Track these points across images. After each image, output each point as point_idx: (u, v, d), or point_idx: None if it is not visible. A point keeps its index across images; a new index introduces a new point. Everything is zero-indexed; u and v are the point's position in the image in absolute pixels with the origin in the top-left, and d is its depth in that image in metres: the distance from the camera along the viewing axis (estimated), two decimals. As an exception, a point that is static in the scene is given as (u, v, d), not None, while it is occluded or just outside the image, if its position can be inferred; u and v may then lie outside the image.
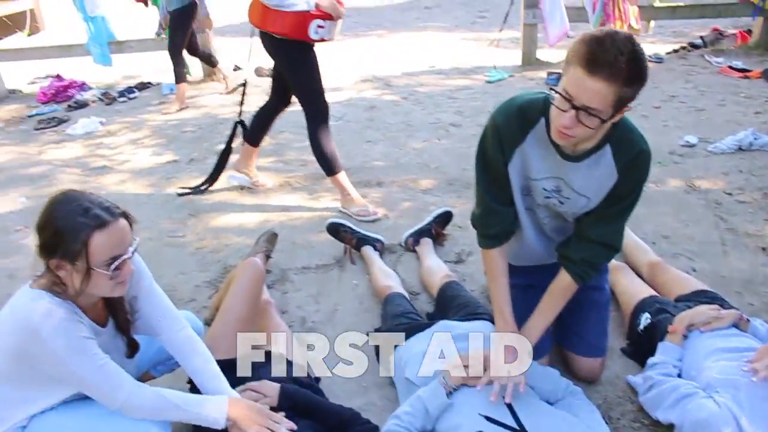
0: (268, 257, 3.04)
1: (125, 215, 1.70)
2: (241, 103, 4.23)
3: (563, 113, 1.72)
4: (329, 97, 3.54)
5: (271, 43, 3.36)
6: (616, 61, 1.61)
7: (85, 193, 1.70)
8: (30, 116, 6.38)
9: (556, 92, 1.73)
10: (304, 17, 3.25)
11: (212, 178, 4.14)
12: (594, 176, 1.91)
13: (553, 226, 2.14)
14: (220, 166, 4.13)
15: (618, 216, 1.99)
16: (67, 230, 1.61)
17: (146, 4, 6.52)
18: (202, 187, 4.13)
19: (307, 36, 3.30)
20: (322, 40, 3.34)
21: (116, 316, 1.88)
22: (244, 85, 4.27)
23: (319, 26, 3.29)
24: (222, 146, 4.16)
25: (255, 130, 3.90)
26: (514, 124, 1.92)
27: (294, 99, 3.62)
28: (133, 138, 5.36)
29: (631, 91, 1.66)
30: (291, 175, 4.29)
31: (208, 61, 6.47)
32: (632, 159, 1.88)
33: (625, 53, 1.61)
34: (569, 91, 1.68)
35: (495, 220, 2.09)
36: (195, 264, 3.29)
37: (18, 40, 10.91)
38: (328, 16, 3.29)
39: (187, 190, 4.14)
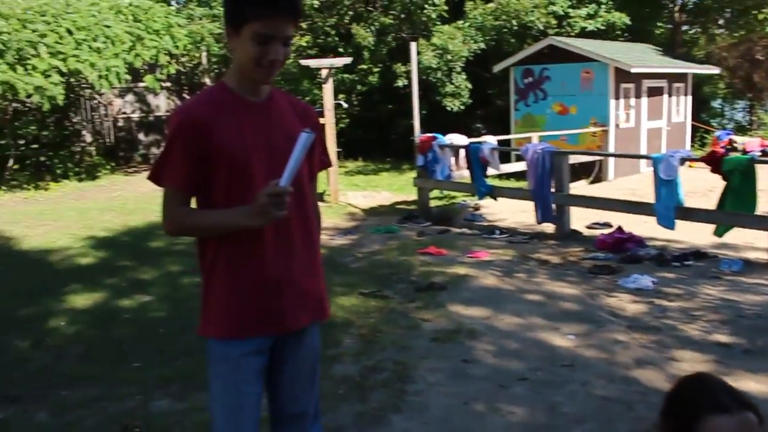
0: None
1: (753, 409, 1.63)
2: None
3: None
4: None
5: None
6: None
7: (717, 378, 1.72)
8: (585, 258, 6.88)
9: None
10: None
11: None
12: None
13: None
14: None
15: None
16: (683, 407, 1.66)
17: (720, 174, 6.44)
18: None
19: None
20: None
21: None
22: None
23: None
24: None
25: None
26: None
27: None
28: (684, 307, 5.26)
29: None
30: None
31: None
32: None
33: None
34: None
35: None
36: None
37: (581, 186, 12.05)
38: None
39: None
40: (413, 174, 10.84)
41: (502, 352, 4.44)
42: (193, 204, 2.11)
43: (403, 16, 15.58)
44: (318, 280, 2.21)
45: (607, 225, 8.28)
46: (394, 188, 12.61)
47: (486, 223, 9.07)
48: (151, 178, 2.07)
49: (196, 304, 5.70)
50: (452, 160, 9.46)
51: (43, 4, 12.04)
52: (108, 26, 12.65)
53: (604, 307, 5.33)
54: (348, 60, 11.55)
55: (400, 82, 14.56)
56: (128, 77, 13.57)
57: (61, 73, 11.84)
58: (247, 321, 2.07)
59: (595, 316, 5.10)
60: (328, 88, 10.63)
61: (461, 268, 6.57)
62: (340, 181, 12.10)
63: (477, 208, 9.90)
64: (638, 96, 14.16)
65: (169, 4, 16.99)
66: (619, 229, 7.51)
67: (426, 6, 15.12)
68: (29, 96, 11.65)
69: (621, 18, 16.23)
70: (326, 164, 2.31)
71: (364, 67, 16.30)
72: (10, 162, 13.81)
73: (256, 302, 2.07)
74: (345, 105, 15.06)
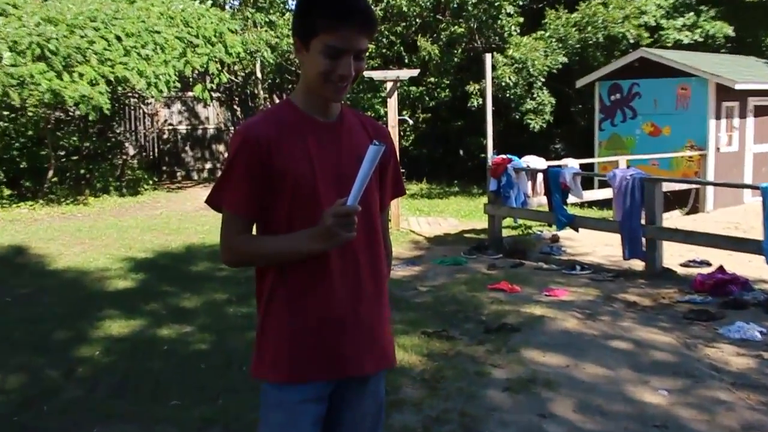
0: None
1: None
2: None
3: None
4: None
5: None
6: None
7: None
8: (680, 302, 6.65)
9: None
10: None
11: None
12: None
13: None
14: None
15: None
16: None
17: None
18: None
19: None
20: None
21: None
22: None
23: None
24: None
25: None
26: None
27: None
28: (800, 363, 5.02)
29: None
30: None
31: None
32: None
33: None
34: None
35: None
36: None
37: (674, 218, 11.74)
38: None
39: None
40: (484, 199, 10.75)
41: (584, 406, 4.31)
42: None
43: (474, 26, 15.56)
44: (385, 322, 2.17)
45: (706, 263, 8.03)
46: (461, 214, 12.55)
47: (565, 258, 8.90)
48: (209, 201, 2.07)
49: (241, 336, 5.73)
50: (529, 185, 9.35)
51: (94, 10, 12.51)
52: (158, 32, 13.05)
53: (703, 359, 5.13)
54: (415, 72, 11.60)
55: (474, 101, 14.47)
56: (178, 85, 13.94)
57: (108, 82, 12.25)
58: (307, 364, 2.04)
59: (693, 369, 4.91)
60: (392, 103, 10.68)
61: (537, 307, 6.45)
62: (403, 205, 12.11)
63: (555, 240, 9.74)
64: (743, 116, 13.78)
65: (223, 9, 17.41)
66: (720, 268, 7.26)
67: (500, 17, 15.06)
68: (76, 105, 12.07)
69: (722, 28, 15.83)
70: (399, 192, 2.28)
71: (433, 80, 16.32)
72: (50, 174, 14.27)
73: (317, 343, 2.04)
74: (410, 121, 15.07)
